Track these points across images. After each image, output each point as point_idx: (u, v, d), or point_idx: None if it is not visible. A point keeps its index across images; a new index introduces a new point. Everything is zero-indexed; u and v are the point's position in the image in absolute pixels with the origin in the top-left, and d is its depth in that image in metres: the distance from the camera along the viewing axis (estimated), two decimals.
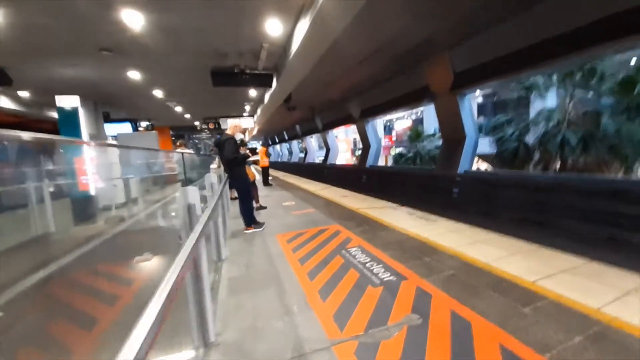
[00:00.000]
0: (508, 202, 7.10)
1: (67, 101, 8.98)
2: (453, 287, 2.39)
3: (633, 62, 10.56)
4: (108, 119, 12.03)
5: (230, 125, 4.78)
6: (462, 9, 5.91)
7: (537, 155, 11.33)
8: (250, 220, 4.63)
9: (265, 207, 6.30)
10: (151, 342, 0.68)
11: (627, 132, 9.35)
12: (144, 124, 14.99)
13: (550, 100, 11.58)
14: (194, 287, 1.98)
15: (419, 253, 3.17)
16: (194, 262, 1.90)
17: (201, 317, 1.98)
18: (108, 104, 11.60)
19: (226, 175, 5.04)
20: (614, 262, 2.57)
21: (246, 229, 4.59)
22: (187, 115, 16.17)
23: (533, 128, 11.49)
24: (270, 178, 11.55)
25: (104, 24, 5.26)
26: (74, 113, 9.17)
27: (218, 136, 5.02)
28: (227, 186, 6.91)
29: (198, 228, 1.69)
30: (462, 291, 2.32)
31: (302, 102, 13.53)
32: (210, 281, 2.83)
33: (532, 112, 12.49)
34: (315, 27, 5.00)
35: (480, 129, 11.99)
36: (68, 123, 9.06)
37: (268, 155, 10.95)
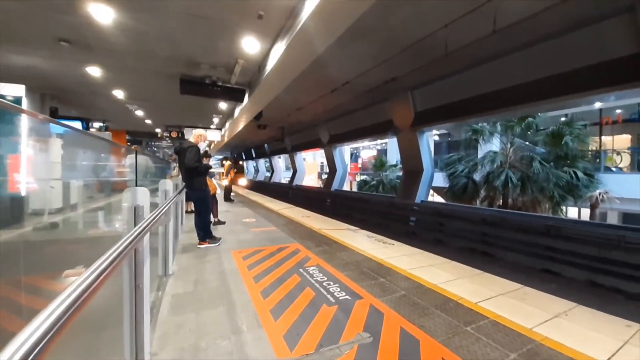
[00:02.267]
0: (458, 232, 7.64)
1: (10, 90, 8.01)
2: (404, 306, 2.45)
3: (563, 118, 12.65)
4: (56, 115, 10.90)
5: (194, 133, 4.55)
6: (421, 62, 6.68)
7: (483, 192, 12.52)
8: (205, 234, 4.36)
9: (223, 223, 6.01)
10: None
11: (554, 176, 10.84)
12: (97, 124, 13.85)
13: (495, 144, 13.13)
14: (131, 297, 1.78)
15: (374, 274, 3.22)
16: (133, 266, 1.72)
17: (136, 333, 1.77)
18: (57, 99, 10.59)
19: (183, 184, 4.78)
20: (546, 290, 2.85)
21: (200, 244, 4.30)
22: (148, 121, 15.29)
23: (480, 167, 12.80)
24: (232, 194, 11.14)
25: (67, 14, 4.94)
26: (16, 104, 8.18)
27: (179, 143, 4.76)
28: (184, 197, 6.51)
29: (143, 224, 1.55)
30: (412, 311, 2.37)
31: (273, 121, 13.64)
32: (151, 298, 2.56)
33: (480, 153, 13.96)
34: (291, 51, 5.21)
35: (435, 164, 13.05)
36: None
37: (238, 171, 10.89)
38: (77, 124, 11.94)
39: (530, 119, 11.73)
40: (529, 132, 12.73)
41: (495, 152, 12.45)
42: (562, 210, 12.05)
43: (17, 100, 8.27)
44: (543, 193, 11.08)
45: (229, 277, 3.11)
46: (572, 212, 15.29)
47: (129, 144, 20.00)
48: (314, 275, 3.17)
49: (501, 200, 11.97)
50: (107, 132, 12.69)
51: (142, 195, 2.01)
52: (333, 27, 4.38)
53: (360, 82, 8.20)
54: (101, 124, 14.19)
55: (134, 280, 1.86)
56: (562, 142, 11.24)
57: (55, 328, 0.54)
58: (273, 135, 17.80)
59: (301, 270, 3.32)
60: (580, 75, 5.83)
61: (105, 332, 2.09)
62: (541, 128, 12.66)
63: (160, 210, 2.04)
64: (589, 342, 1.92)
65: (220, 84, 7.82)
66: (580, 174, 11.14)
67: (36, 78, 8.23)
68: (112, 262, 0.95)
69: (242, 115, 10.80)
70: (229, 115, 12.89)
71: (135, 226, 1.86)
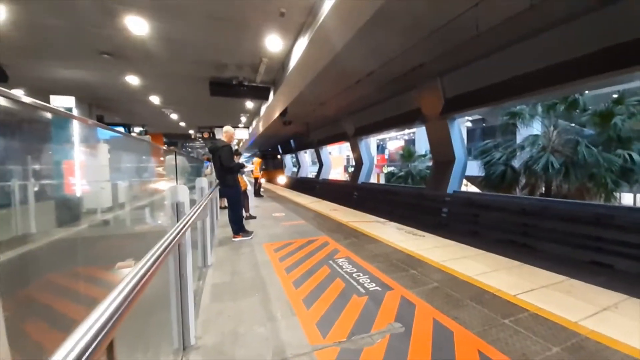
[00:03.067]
0: (495, 223, 7.24)
1: (62, 102, 8.93)
2: (437, 298, 2.41)
3: (615, 95, 11.31)
4: (102, 122, 11.96)
5: (225, 131, 4.67)
6: (449, 45, 6.33)
7: (523, 180, 11.66)
8: (239, 228, 4.59)
9: (254, 217, 6.26)
10: (99, 339, 0.52)
11: (606, 160, 9.80)
12: (137, 129, 14.94)
13: (536, 129, 12.11)
14: (176, 286, 1.95)
15: (405, 265, 3.19)
16: (177, 258, 1.89)
17: (182, 319, 1.94)
18: (102, 108, 11.59)
19: (217, 182, 5.02)
20: (594, 283, 2.65)
21: (234, 237, 4.53)
22: (182, 124, 16.21)
23: (519, 153, 11.91)
24: (262, 190, 11.52)
25: (107, 28, 5.38)
26: None
27: (213, 142, 5.01)
28: (218, 194, 6.88)
29: (185, 219, 1.69)
30: (446, 302, 2.33)
31: (297, 117, 13.79)
32: (194, 287, 2.78)
33: (519, 139, 12.99)
34: (313, 46, 5.23)
35: (469, 153, 12.39)
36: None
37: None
38: (120, 130, 13.00)
39: (576, 97, 10.63)
40: (576, 112, 11.55)
41: (536, 136, 11.52)
42: (615, 197, 10.86)
43: (68, 111, 9.20)
44: (594, 179, 10.07)
45: (263, 269, 3.26)
46: (627, 199, 13.77)
47: (166, 145, 21.39)
48: (344, 266, 3.22)
49: (543, 188, 11.10)
50: (147, 136, 13.66)
51: (183, 193, 2.18)
52: (354, 18, 4.32)
53: (385, 71, 8.00)
54: (141, 128, 15.29)
55: (179, 270, 2.04)
56: (613, 122, 10.09)
57: (117, 315, 0.61)
58: (298, 131, 17.99)
59: (331, 262, 3.39)
60: (630, 48, 5.18)
61: (153, 317, 2.32)
62: (589, 107, 11.43)
63: (198, 206, 2.20)
64: None
65: (246, 83, 8.08)
66: (636, 156, 9.96)
67: (83, 89, 9.07)
68: (160, 254, 1.06)
69: (268, 113, 11.06)
70: (255, 113, 13.27)
71: (177, 221, 2.03)
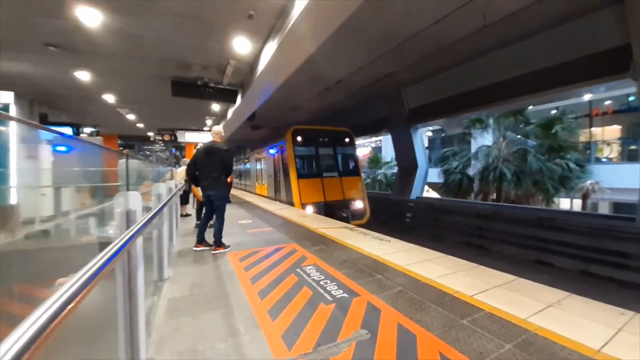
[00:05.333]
0: (454, 226, 7.72)
1: None
2: (401, 302, 2.46)
3: (553, 111, 12.84)
4: (45, 122, 10.73)
5: (216, 132, 4.33)
6: (414, 58, 6.71)
7: (477, 186, 12.64)
8: (220, 239, 4.27)
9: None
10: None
11: (548, 169, 10.99)
12: (87, 129, 13.66)
13: (487, 139, 13.25)
14: (125, 304, 1.76)
15: (371, 271, 3.23)
16: (126, 272, 1.71)
17: (131, 339, 1.75)
18: (47, 105, 10.43)
19: (181, 186, 4.68)
20: (540, 281, 2.89)
21: (215, 249, 4.18)
22: (140, 125, 15.14)
23: (474, 162, 12.91)
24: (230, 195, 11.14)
25: (54, 17, 4.86)
26: (4, 111, 8.03)
27: (209, 143, 4.37)
28: (178, 200, 6.45)
29: (134, 228, 1.54)
30: (409, 306, 2.39)
31: (267, 122, 13.60)
32: (147, 304, 2.55)
33: (473, 148, 14.08)
34: (282, 50, 5.20)
35: (429, 160, 13.14)
36: None
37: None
38: (67, 130, 11.76)
39: (520, 112, 11.90)
40: (521, 126, 12.89)
41: (488, 147, 12.57)
42: (554, 202, 12.21)
43: (5, 107, 8.12)
44: (537, 186, 11.22)
45: (226, 280, 3.10)
46: (564, 204, 15.51)
47: (120, 148, 19.80)
48: (311, 274, 3.17)
49: (495, 195, 12.10)
50: (99, 137, 12.53)
51: (135, 200, 1.99)
52: (324, 25, 4.37)
53: (354, 80, 8.21)
54: (92, 129, 14.00)
55: (128, 286, 1.84)
56: (553, 132, 11.41)
57: (42, 335, 0.52)
58: (269, 136, 17.75)
59: (298, 270, 3.32)
60: (571, 67, 5.92)
61: (100, 338, 2.08)
62: (532, 121, 12.83)
63: (152, 213, 2.02)
64: (583, 330, 1.96)
65: (212, 85, 7.78)
66: (572, 165, 11.31)
67: (25, 84, 8.09)
68: (100, 268, 0.94)
69: (235, 116, 10.76)
70: (222, 116, 12.83)
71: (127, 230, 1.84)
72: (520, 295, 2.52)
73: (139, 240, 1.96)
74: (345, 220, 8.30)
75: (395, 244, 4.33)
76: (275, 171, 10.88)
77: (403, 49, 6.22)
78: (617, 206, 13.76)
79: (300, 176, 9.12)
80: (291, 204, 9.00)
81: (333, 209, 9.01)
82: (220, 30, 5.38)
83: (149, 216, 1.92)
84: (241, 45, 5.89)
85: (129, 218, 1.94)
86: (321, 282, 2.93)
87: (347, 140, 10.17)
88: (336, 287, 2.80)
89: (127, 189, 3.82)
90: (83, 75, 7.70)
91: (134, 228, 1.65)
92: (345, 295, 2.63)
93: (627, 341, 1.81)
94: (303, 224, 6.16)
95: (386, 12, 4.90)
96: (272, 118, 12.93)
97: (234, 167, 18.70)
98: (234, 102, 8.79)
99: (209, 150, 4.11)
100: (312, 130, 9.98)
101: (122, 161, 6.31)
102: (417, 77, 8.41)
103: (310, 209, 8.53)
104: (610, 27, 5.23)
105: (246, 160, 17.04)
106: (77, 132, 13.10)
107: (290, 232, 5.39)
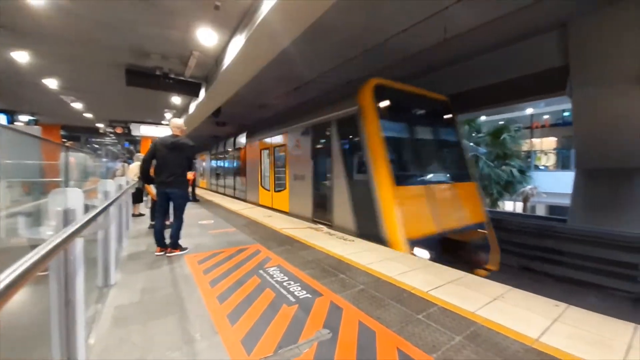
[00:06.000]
0: None
1: None
2: (363, 300, 2.52)
3: (501, 122, 14.24)
4: None
5: (177, 125, 3.99)
6: (378, 65, 6.95)
7: None
8: (178, 240, 3.99)
9: None
10: None
11: (495, 175, 12.12)
12: (24, 118, 12.05)
13: None
14: (60, 314, 1.57)
15: (335, 270, 3.26)
16: (60, 279, 1.52)
17: (68, 353, 1.56)
18: None
19: (136, 183, 4.28)
20: (488, 277, 3.15)
21: (170, 251, 3.89)
22: (89, 115, 13.70)
23: None
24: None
25: None
26: None
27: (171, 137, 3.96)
28: (130, 199, 5.95)
29: (69, 229, 1.38)
30: (370, 303, 2.45)
31: (233, 118, 13.12)
32: (90, 312, 2.31)
33: None
34: (250, 46, 5.04)
35: None
36: None
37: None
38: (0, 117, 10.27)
39: (477, 121, 13.05)
40: (473, 134, 14.08)
41: None
42: (499, 205, 13.53)
43: None
44: (485, 190, 12.30)
45: (182, 284, 2.91)
46: (508, 206, 17.19)
47: (64, 140, 17.78)
48: (275, 275, 3.11)
49: None
50: (36, 127, 11.10)
51: (74, 197, 1.79)
52: (293, 25, 4.33)
53: (323, 81, 8.25)
54: (30, 118, 12.36)
55: (65, 295, 1.65)
56: (501, 140, 12.64)
57: None
58: (235, 133, 17.17)
59: (261, 271, 3.24)
60: (519, 83, 6.60)
61: (35, 352, 1.83)
62: (483, 131, 14.10)
63: (95, 212, 1.83)
64: (523, 321, 2.16)
65: (172, 76, 7.29)
66: (515, 171, 12.59)
67: None
68: (23, 272, 0.81)
69: (198, 111, 10.21)
70: (183, 110, 12.11)
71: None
72: (469, 290, 2.72)
73: (79, 243, 1.76)
74: (471, 265, 5.13)
75: (359, 244, 4.42)
76: (324, 168, 6.29)
77: (370, 55, 6.40)
78: (552, 209, 15.61)
79: (399, 181, 4.74)
80: (373, 236, 4.67)
81: (455, 248, 5.33)
82: (182, 18, 5.06)
83: (91, 215, 1.73)
84: (206, 36, 5.60)
85: (66, 217, 1.73)
86: (284, 283, 2.89)
87: (449, 117, 6.24)
88: (300, 288, 2.78)
89: (66, 186, 3.43)
90: (20, 56, 6.74)
91: (71, 228, 1.48)
92: (308, 295, 2.62)
93: (561, 331, 2.03)
94: (268, 224, 6.04)
95: (355, 15, 5.00)
96: (239, 115, 12.51)
97: (208, 164, 17.09)
98: (197, 95, 8.34)
99: (174, 145, 3.83)
100: (409, 93, 5.70)
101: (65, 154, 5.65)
102: None
103: (422, 253, 4.37)
104: (554, 49, 5.92)
105: (232, 153, 12.93)
106: (11, 120, 11.47)
107: (255, 232, 5.25)
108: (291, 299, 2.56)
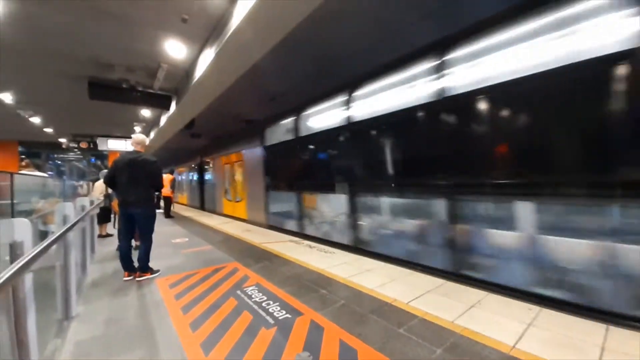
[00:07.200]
0: None
1: None
2: (343, 317, 2.47)
3: None
4: None
5: (138, 141, 3.75)
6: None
7: None
8: (147, 263, 3.73)
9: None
10: None
11: None
12: None
13: None
14: (12, 354, 1.41)
15: (315, 286, 3.19)
16: (10, 318, 1.37)
17: None
18: None
19: (101, 202, 3.96)
20: (463, 284, 3.20)
21: (140, 276, 3.62)
22: (49, 130, 12.80)
23: None
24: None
25: None
26: None
27: (131, 153, 3.72)
28: (94, 220, 5.56)
29: (17, 264, 1.24)
30: (351, 319, 2.41)
31: (208, 131, 12.79)
32: (49, 348, 2.09)
33: None
34: (220, 60, 4.97)
35: None
36: None
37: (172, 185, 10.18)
38: None
39: None
40: None
41: None
42: None
43: None
44: None
45: (152, 311, 2.72)
46: None
47: (22, 157, 16.44)
48: (253, 295, 2.99)
49: None
50: None
51: (22, 229, 1.62)
52: (264, 38, 4.33)
53: (298, 93, 8.28)
54: None
55: (15, 336, 1.48)
56: None
57: None
58: (211, 145, 16.71)
59: (239, 292, 3.10)
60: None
61: None
62: None
63: (46, 243, 1.67)
64: (499, 327, 2.21)
65: (140, 89, 7.01)
66: None
67: None
68: None
69: (170, 123, 9.86)
70: (154, 123, 11.65)
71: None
72: (447, 298, 2.76)
73: (28, 278, 1.59)
74: None
75: (340, 257, 4.39)
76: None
77: (341, 69, 6.50)
78: None
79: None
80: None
81: None
82: (148, 31, 4.90)
83: (41, 247, 1.57)
84: (174, 49, 5.46)
85: (14, 252, 1.57)
86: (263, 304, 2.78)
87: None
88: (279, 308, 2.68)
89: (12, 215, 3.13)
90: None
91: (18, 264, 1.34)
92: (288, 315, 2.53)
93: (536, 335, 2.09)
94: (246, 239, 5.86)
95: (326, 31, 5.09)
96: (213, 127, 12.21)
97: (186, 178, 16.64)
98: (168, 108, 8.06)
99: (134, 162, 3.61)
100: None
101: (24, 172, 5.18)
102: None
103: None
104: None
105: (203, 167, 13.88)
106: None
107: (232, 249, 5.06)
108: (270, 320, 2.46)
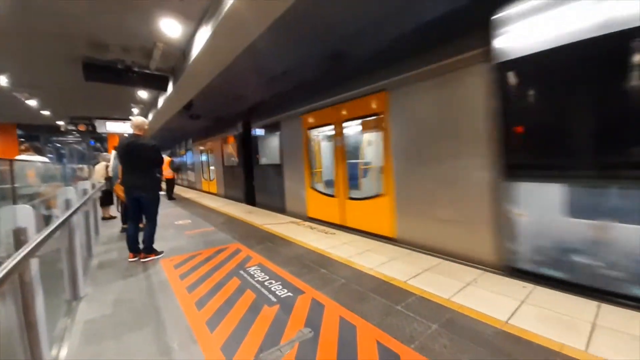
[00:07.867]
0: None
1: None
2: (344, 295, 2.55)
3: None
4: None
5: (137, 124, 3.71)
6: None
7: None
8: (151, 245, 3.81)
9: None
10: None
11: None
12: None
13: None
14: (21, 336, 1.47)
15: (316, 266, 3.27)
16: (17, 302, 1.41)
17: None
18: None
19: (103, 185, 4.01)
20: (460, 262, 3.27)
21: (145, 257, 3.72)
22: (46, 112, 12.65)
23: None
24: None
25: None
26: None
27: (130, 136, 3.75)
28: (97, 203, 5.62)
29: (22, 251, 1.27)
30: (351, 298, 2.49)
31: (207, 111, 12.59)
32: (60, 326, 2.18)
33: None
34: (217, 38, 4.80)
35: None
36: None
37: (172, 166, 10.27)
38: None
39: None
40: None
41: None
42: None
43: None
44: None
45: (158, 291, 2.81)
46: None
47: (21, 140, 16.37)
48: (255, 275, 3.08)
49: None
50: None
51: (24, 215, 1.64)
52: (261, 15, 4.14)
53: (299, 72, 8.05)
54: None
55: (24, 318, 1.54)
56: None
57: None
58: (211, 126, 16.52)
59: (241, 272, 3.19)
60: None
61: None
62: None
63: (50, 229, 1.69)
64: (494, 304, 2.28)
65: (136, 69, 6.83)
66: None
67: None
68: None
69: (168, 105, 9.70)
70: (151, 105, 11.47)
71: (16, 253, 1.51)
72: (444, 277, 2.83)
73: (34, 263, 1.63)
74: None
75: (340, 237, 4.46)
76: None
77: (344, 46, 6.26)
78: None
79: None
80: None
81: None
82: (142, 8, 4.70)
83: (46, 233, 1.60)
84: (170, 27, 5.25)
85: (18, 239, 1.59)
86: (265, 283, 2.87)
87: None
88: (281, 287, 2.77)
89: (14, 202, 3.15)
90: None
91: (23, 251, 1.37)
92: (290, 294, 2.62)
93: (528, 312, 2.16)
94: (249, 220, 5.94)
95: (326, 5, 4.86)
96: (213, 107, 12.00)
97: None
98: (165, 89, 7.90)
99: (133, 147, 3.60)
100: None
101: (22, 157, 5.17)
102: None
103: None
104: None
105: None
106: None
107: (235, 230, 5.15)
108: (272, 298, 2.54)
